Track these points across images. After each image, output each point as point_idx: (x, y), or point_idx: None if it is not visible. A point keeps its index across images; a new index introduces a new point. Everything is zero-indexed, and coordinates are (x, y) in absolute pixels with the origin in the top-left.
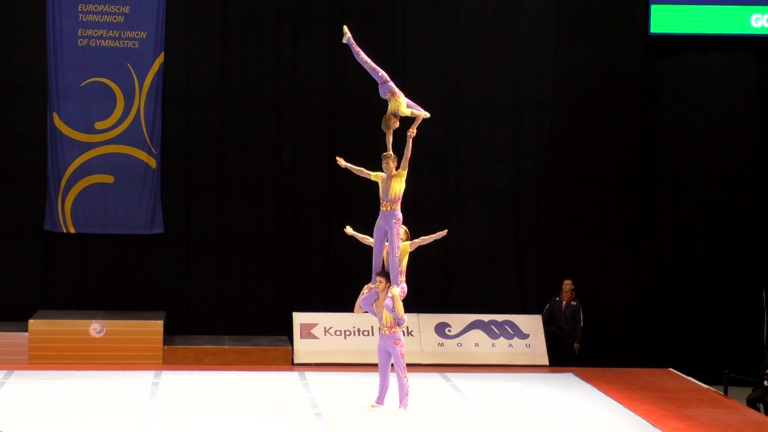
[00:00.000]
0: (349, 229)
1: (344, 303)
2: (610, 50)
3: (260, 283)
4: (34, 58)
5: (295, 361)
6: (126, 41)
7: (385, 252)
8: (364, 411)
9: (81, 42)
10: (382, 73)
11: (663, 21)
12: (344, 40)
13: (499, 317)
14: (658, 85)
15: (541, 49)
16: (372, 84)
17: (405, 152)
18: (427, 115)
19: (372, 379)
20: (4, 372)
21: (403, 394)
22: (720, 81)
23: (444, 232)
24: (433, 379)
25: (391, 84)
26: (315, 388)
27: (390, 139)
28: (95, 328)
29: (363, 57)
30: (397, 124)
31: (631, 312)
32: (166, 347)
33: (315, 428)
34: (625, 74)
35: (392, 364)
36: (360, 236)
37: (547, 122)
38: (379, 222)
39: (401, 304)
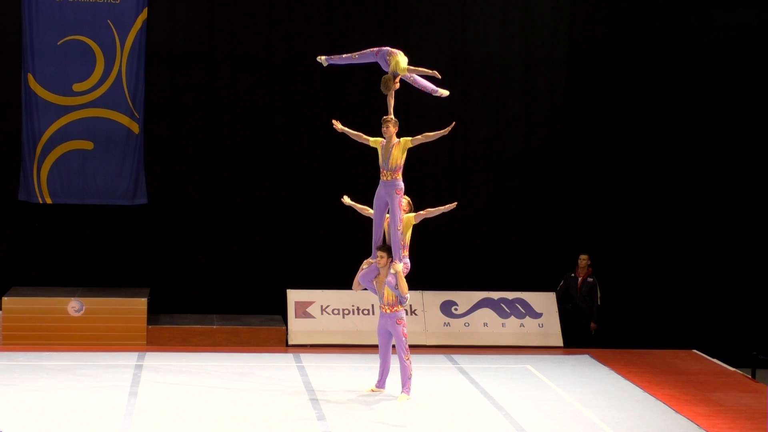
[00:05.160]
0: (346, 199)
1: (342, 279)
2: (629, 6)
3: (252, 257)
4: (6, 14)
5: (290, 342)
6: None
7: (386, 224)
8: (364, 396)
9: None
10: (369, 49)
11: None
12: (325, 65)
13: (510, 295)
14: (681, 44)
15: (556, 4)
16: (374, 44)
17: (428, 135)
18: (444, 92)
19: (372, 361)
20: None
21: (406, 378)
22: (749, 40)
23: (453, 205)
24: (439, 361)
25: (386, 48)
26: (311, 371)
27: (391, 102)
28: (74, 306)
29: (347, 56)
30: (398, 85)
31: (652, 289)
32: (150, 327)
33: (311, 414)
34: (646, 32)
35: (394, 346)
36: (359, 207)
37: (562, 84)
38: (380, 192)
39: (405, 280)
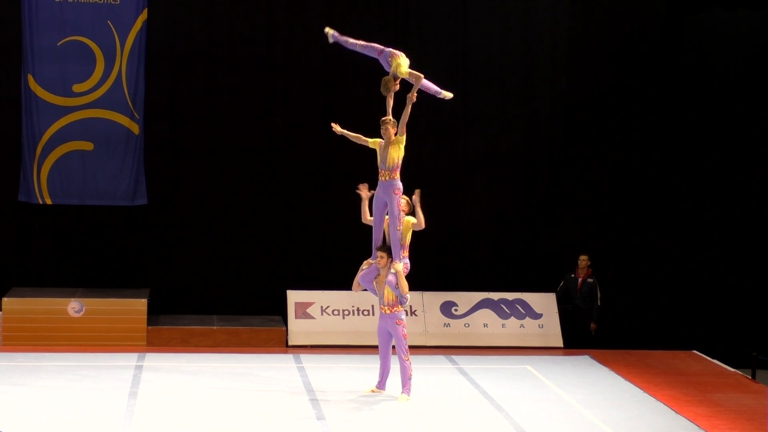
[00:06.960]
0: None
1: (342, 280)
2: (629, 7)
3: (252, 258)
4: (6, 14)
5: (290, 343)
6: None
7: (386, 224)
8: (364, 396)
9: None
10: (376, 45)
11: None
12: (331, 41)
13: (510, 295)
14: (681, 44)
15: (556, 5)
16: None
17: (402, 116)
18: (448, 95)
19: (372, 362)
20: None
21: (406, 379)
22: (749, 40)
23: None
24: (439, 362)
25: (389, 49)
26: (311, 372)
27: (390, 102)
28: (74, 307)
29: (353, 42)
30: (398, 87)
31: (652, 290)
32: (150, 327)
33: (311, 415)
34: (646, 33)
35: (394, 346)
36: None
37: (562, 85)
38: (378, 193)
39: (405, 280)
